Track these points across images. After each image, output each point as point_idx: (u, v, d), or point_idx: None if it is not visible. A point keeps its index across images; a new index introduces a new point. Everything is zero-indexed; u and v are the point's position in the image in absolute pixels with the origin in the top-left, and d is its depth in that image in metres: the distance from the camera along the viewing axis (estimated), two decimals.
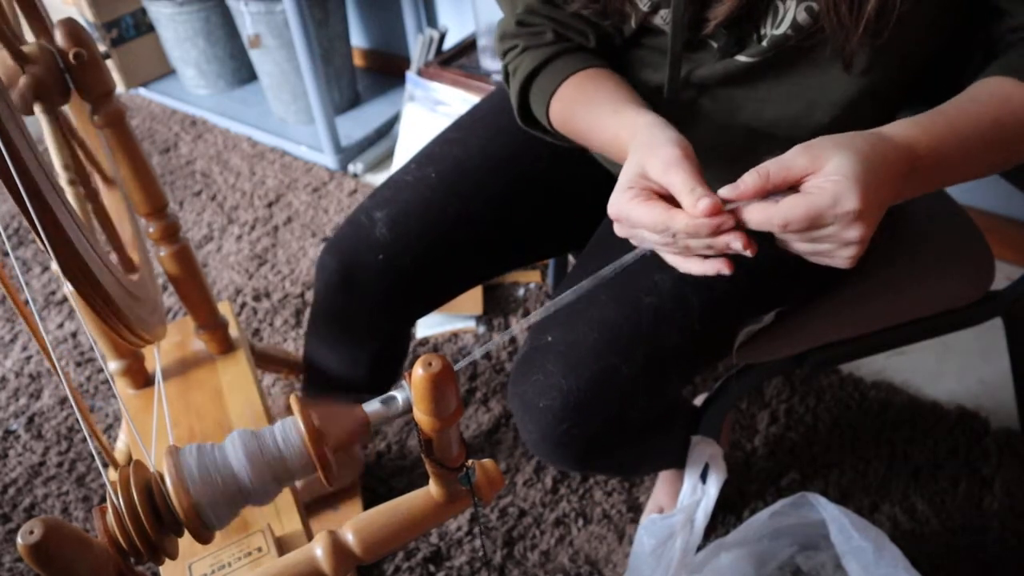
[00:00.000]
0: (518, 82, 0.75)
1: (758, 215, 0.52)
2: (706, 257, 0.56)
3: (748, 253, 0.53)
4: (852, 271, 0.86)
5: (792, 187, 0.52)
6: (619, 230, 0.59)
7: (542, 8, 0.73)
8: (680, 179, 0.53)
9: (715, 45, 0.68)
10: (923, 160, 0.54)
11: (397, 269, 0.87)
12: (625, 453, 0.84)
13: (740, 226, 0.53)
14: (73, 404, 0.43)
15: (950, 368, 1.35)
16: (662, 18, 0.67)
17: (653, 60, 0.73)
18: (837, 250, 0.52)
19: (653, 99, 0.73)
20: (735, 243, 0.52)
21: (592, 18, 0.72)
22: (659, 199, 0.55)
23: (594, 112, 0.67)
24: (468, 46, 1.88)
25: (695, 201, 0.51)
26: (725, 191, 0.52)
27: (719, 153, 0.74)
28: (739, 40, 0.66)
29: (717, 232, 0.52)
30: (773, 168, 0.52)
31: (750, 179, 0.52)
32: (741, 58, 0.66)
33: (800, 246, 0.54)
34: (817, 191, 0.50)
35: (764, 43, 0.64)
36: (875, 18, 0.56)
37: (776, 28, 0.63)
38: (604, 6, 0.69)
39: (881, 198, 0.51)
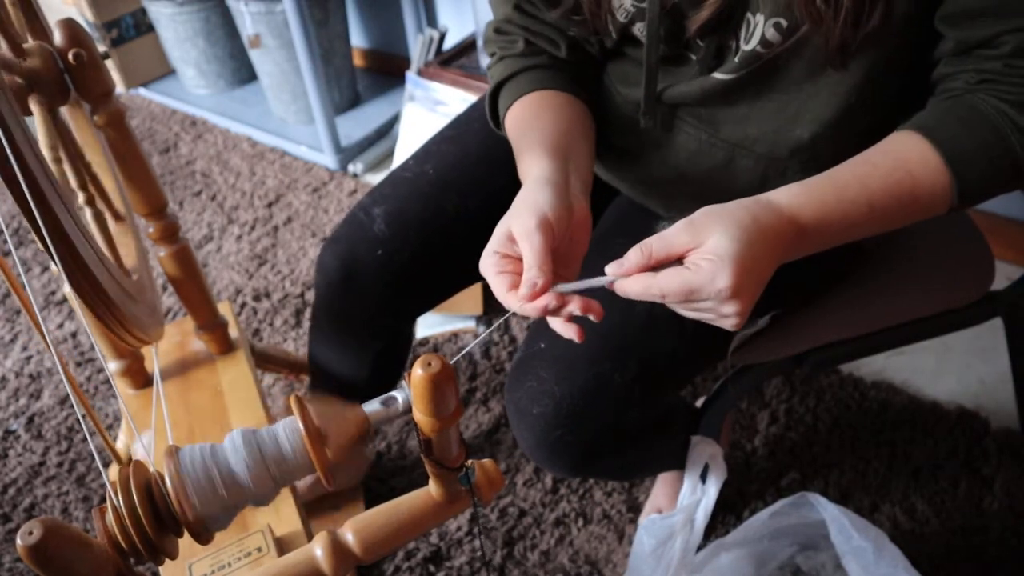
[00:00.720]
0: (489, 89, 0.78)
1: (637, 285, 0.54)
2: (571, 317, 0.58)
3: (592, 317, 0.56)
4: (851, 273, 0.86)
5: (677, 260, 0.55)
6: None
7: (517, 18, 0.76)
8: (526, 253, 0.56)
9: (694, 58, 0.68)
10: (807, 229, 0.56)
11: (396, 264, 0.87)
12: (621, 458, 0.84)
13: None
14: (75, 402, 0.43)
15: (950, 368, 1.35)
16: (639, 30, 0.68)
17: (634, 73, 0.74)
18: (717, 320, 0.55)
19: (633, 112, 0.74)
20: (575, 311, 0.55)
21: (573, 31, 0.73)
22: (510, 272, 0.58)
23: (520, 144, 0.69)
24: (468, 46, 1.88)
25: (522, 284, 0.55)
26: (611, 268, 0.55)
27: (698, 170, 0.75)
28: (718, 53, 0.66)
29: (547, 312, 0.55)
30: (656, 245, 0.54)
31: (634, 256, 0.55)
32: (718, 75, 0.67)
33: (683, 312, 0.57)
34: (694, 268, 0.53)
35: (736, 59, 0.64)
36: (852, 9, 0.56)
37: (747, 44, 0.63)
38: (584, 18, 0.70)
39: (758, 273, 0.53)
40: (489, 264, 0.59)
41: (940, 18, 0.59)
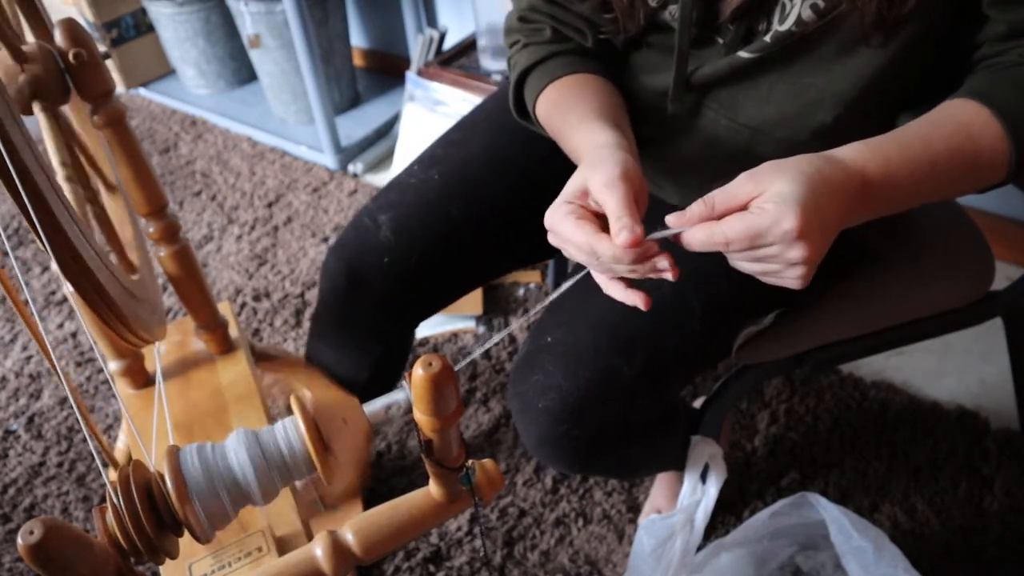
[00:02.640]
0: (515, 77, 0.77)
1: (700, 234, 0.53)
2: (630, 284, 0.58)
3: (670, 276, 0.54)
4: (852, 272, 0.86)
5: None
6: (552, 239, 0.60)
7: (543, 6, 0.75)
8: (613, 202, 0.54)
9: (721, 41, 0.68)
10: (873, 184, 0.55)
11: (402, 272, 0.87)
12: (624, 455, 0.84)
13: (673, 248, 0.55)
14: (73, 404, 0.43)
15: (950, 368, 1.35)
16: (670, 14, 0.67)
17: (657, 61, 0.74)
18: (784, 270, 0.53)
19: (656, 101, 0.73)
20: (661, 263, 0.54)
21: (598, 21, 0.72)
22: (592, 219, 0.56)
23: (567, 119, 0.68)
24: (468, 46, 1.88)
25: (618, 231, 0.53)
26: (672, 219, 0.54)
27: (716, 158, 0.74)
28: (746, 36, 0.66)
29: (639, 260, 0.53)
30: (719, 197, 0.53)
31: (697, 208, 0.53)
32: (743, 54, 0.66)
33: (748, 266, 0.55)
34: (758, 211, 0.51)
35: (767, 38, 0.64)
36: None
37: (782, 24, 0.63)
38: (617, 6, 0.69)
39: (823, 220, 0.51)
40: (563, 212, 0.57)
41: (990, 3, 0.59)
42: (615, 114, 0.68)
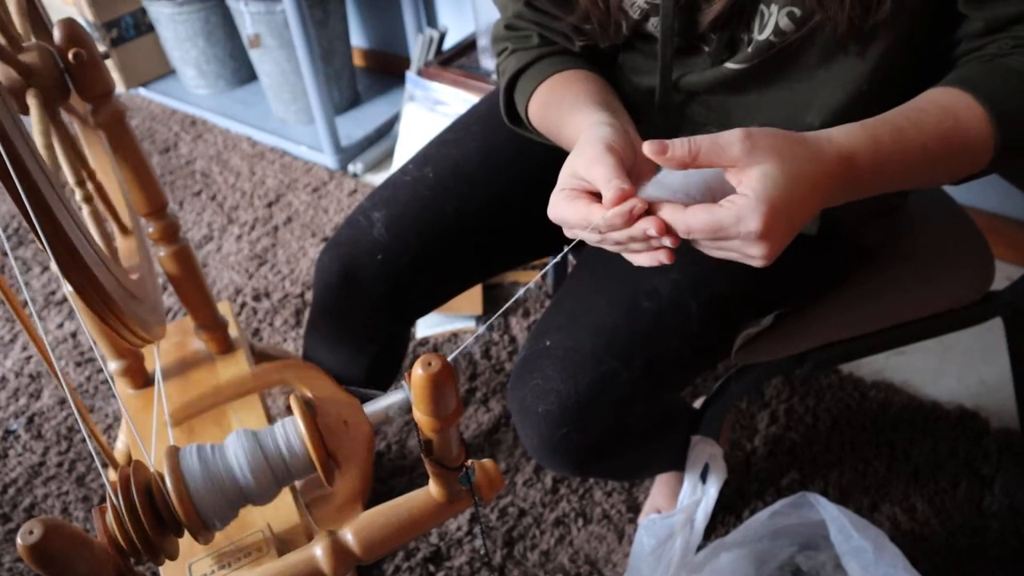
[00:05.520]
0: (504, 82, 0.77)
1: (666, 215, 0.52)
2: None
3: (667, 242, 0.53)
4: (852, 272, 0.86)
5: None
6: (566, 232, 0.60)
7: (529, 14, 0.76)
8: (600, 173, 0.54)
9: (706, 50, 0.68)
10: (860, 168, 0.55)
11: (396, 269, 0.87)
12: (624, 458, 0.84)
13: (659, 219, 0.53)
14: (72, 405, 0.43)
15: (950, 368, 1.35)
16: (653, 25, 0.68)
17: (645, 65, 0.74)
18: (742, 259, 0.54)
19: (645, 104, 0.74)
20: (650, 230, 0.52)
21: (587, 32, 0.73)
22: (586, 196, 0.56)
23: (560, 113, 0.68)
24: (468, 46, 1.88)
25: (607, 194, 0.52)
26: (648, 147, 0.52)
27: None
28: (730, 44, 0.67)
29: (632, 220, 0.52)
30: (705, 146, 0.52)
31: (680, 150, 0.52)
32: (730, 65, 0.67)
33: (708, 248, 0.55)
34: (727, 204, 0.51)
35: (749, 49, 0.65)
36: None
37: (760, 34, 0.63)
38: (597, 21, 0.69)
39: (791, 218, 0.51)
40: (560, 199, 0.57)
41: (965, 2, 0.59)
42: (604, 97, 0.68)
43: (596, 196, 0.56)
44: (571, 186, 0.57)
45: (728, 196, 0.51)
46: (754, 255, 0.52)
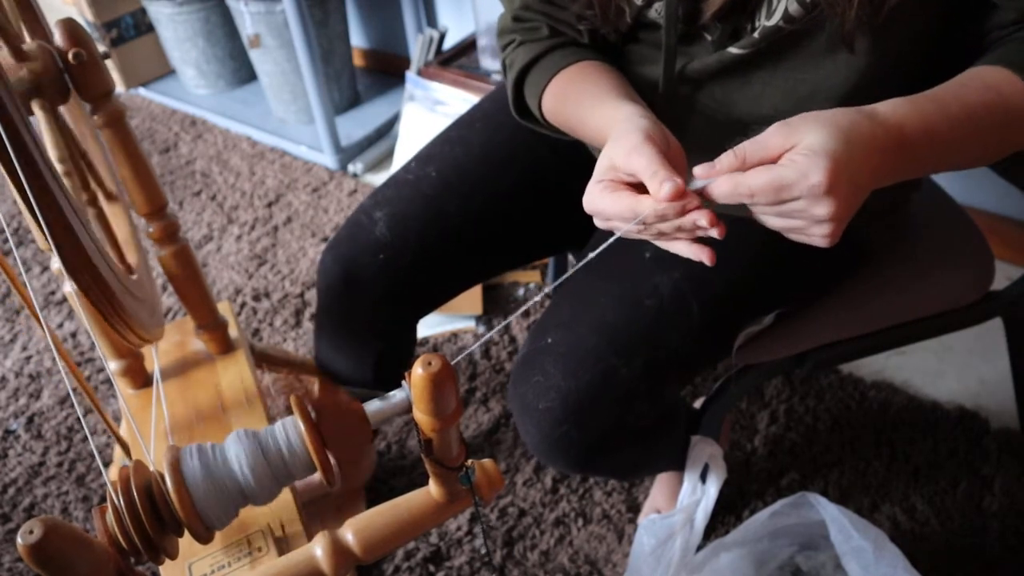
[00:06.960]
0: (513, 75, 0.76)
1: (725, 185, 0.52)
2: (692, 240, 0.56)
3: (715, 233, 0.52)
4: (852, 272, 0.86)
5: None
6: (598, 223, 0.59)
7: (537, 4, 0.74)
8: (642, 164, 0.53)
9: (710, 38, 0.68)
10: (911, 141, 0.54)
11: (397, 268, 0.87)
12: (624, 455, 0.84)
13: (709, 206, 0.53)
14: (74, 401, 0.43)
15: (950, 368, 1.35)
16: (656, 11, 0.67)
17: (649, 55, 0.74)
18: (809, 227, 0.52)
19: (649, 94, 0.73)
20: (701, 220, 0.52)
21: (589, 19, 0.72)
22: (626, 188, 0.56)
23: (582, 106, 0.68)
24: (468, 46, 1.88)
25: (659, 185, 0.52)
26: (699, 170, 0.52)
27: (716, 149, 0.74)
28: (734, 32, 0.66)
29: (683, 213, 0.52)
30: (750, 148, 0.52)
31: (726, 160, 0.52)
32: (733, 50, 0.66)
33: (774, 221, 0.54)
34: (787, 163, 0.50)
35: (756, 34, 0.64)
36: None
37: (769, 19, 0.63)
38: (601, 7, 0.69)
39: (854, 175, 0.50)
40: (597, 191, 0.56)
41: None
42: (627, 90, 0.68)
43: (634, 187, 0.55)
44: (609, 177, 0.56)
45: (787, 156, 0.50)
46: (820, 215, 0.50)
